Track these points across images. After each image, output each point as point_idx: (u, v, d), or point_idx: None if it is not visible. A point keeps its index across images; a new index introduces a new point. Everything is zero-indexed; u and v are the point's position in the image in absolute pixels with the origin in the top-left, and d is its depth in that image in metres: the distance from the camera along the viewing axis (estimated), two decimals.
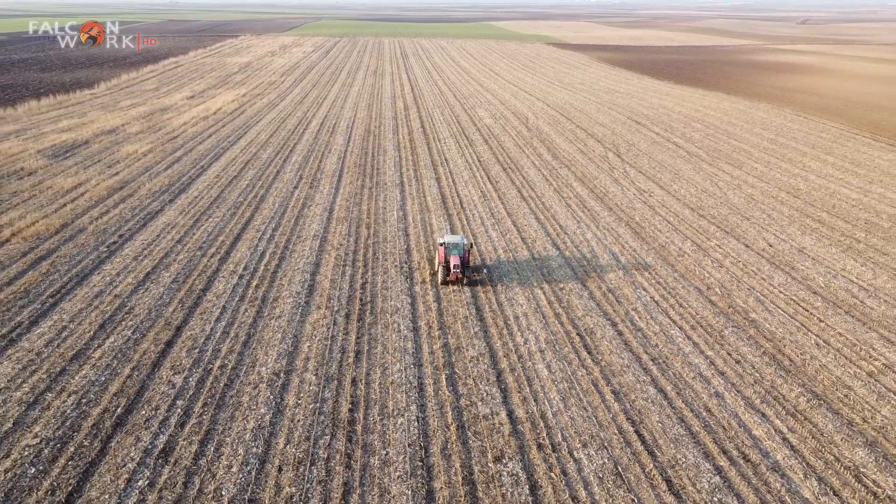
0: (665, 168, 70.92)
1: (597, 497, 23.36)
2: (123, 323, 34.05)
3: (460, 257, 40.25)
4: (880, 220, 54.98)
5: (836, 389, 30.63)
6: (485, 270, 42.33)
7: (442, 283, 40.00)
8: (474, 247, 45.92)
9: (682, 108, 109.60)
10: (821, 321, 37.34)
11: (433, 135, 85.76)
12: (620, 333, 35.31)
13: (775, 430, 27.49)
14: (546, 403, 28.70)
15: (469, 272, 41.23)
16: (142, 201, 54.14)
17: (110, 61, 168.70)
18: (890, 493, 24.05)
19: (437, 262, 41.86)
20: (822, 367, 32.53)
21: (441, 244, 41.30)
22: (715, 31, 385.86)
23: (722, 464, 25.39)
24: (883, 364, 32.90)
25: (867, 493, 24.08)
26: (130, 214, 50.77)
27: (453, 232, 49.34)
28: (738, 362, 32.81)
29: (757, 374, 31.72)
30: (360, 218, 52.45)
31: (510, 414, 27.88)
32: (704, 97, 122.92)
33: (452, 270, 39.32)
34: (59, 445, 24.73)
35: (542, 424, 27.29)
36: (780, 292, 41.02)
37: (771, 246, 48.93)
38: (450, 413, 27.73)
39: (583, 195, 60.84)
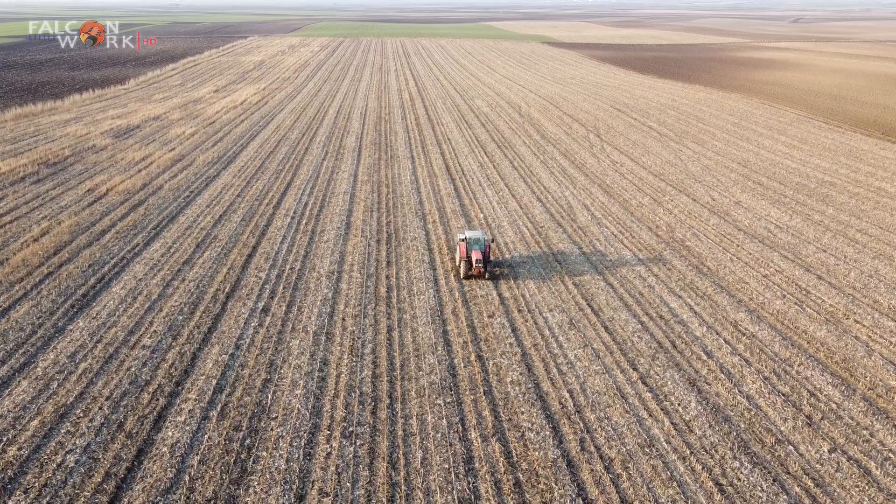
0: (637, 145, 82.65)
1: (556, 333, 35.05)
2: (213, 244, 45.85)
3: (482, 252, 40.91)
4: (809, 183, 66.67)
5: (737, 283, 42.31)
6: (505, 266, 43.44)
7: (464, 278, 41.03)
8: (496, 242, 47.30)
9: (660, 98, 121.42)
10: (738, 246, 49.02)
11: (436, 120, 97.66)
12: (584, 253, 46.99)
13: (686, 304, 39.17)
14: (525, 289, 40.38)
15: (490, 266, 42.32)
16: (200, 169, 65.92)
17: (132, 60, 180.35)
18: (754, 333, 35.69)
19: (458, 256, 42.38)
20: (731, 272, 44.20)
21: (462, 240, 41.93)
22: (706, 29, 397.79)
23: (644, 320, 37.05)
24: (775, 270, 44.60)
25: (739, 334, 35.70)
26: (195, 177, 62.58)
27: (471, 228, 50.48)
28: (669, 269, 44.48)
29: (681, 275, 43.41)
30: (379, 181, 64.19)
31: (500, 294, 39.55)
32: (683, 89, 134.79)
33: (475, 265, 40.39)
34: (192, 307, 36.46)
35: (522, 300, 38.95)
36: (712, 229, 52.70)
37: (713, 200, 60.61)
38: (456, 293, 39.45)
39: (564, 165, 72.60)
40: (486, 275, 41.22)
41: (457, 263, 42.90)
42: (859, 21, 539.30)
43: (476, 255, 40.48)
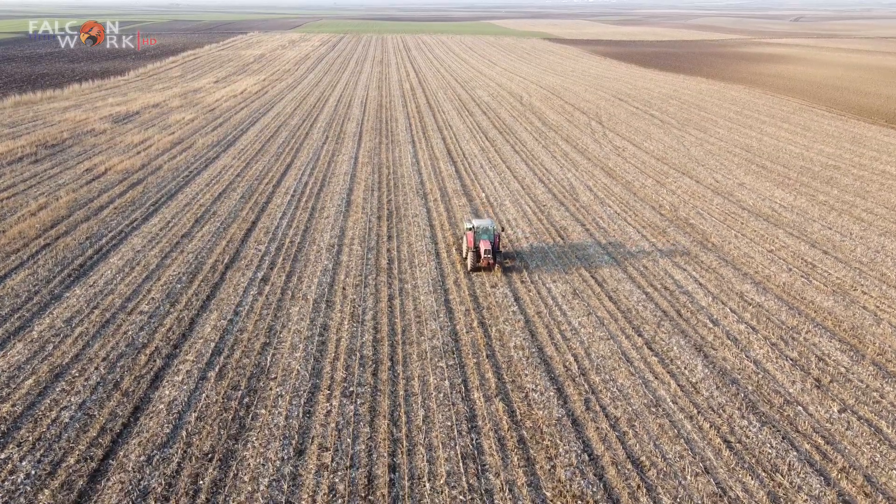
0: (639, 132, 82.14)
1: (560, 303, 34.55)
2: (212, 219, 45.37)
3: (491, 242, 38.04)
4: (813, 166, 66.14)
5: (742, 258, 41.79)
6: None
7: (472, 270, 37.99)
8: (505, 231, 44.89)
9: (662, 89, 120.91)
10: (743, 224, 48.50)
11: (437, 108, 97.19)
12: (587, 230, 46.48)
13: (691, 276, 38.66)
14: (528, 261, 39.88)
15: (500, 258, 39.11)
16: (199, 151, 65.47)
17: (132, 54, 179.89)
18: (760, 303, 35.18)
19: (465, 247, 39.35)
20: (736, 248, 43.68)
21: (469, 229, 39.00)
22: (707, 27, 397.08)
23: (649, 290, 36.54)
24: (781, 245, 44.09)
25: (745, 303, 35.19)
26: (194, 158, 62.12)
27: (478, 217, 48.04)
28: (673, 245, 43.97)
29: (685, 250, 42.90)
30: (380, 163, 63.70)
31: (503, 267, 39.05)
32: (685, 80, 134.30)
33: (483, 256, 37.41)
34: (191, 276, 35.98)
35: (524, 272, 38.44)
36: (716, 208, 52.18)
37: (717, 182, 60.08)
38: (458, 265, 38.95)
39: (566, 150, 72.10)
40: (496, 267, 38.24)
41: (463, 255, 39.65)
42: (860, 20, 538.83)
43: (485, 246, 37.45)
